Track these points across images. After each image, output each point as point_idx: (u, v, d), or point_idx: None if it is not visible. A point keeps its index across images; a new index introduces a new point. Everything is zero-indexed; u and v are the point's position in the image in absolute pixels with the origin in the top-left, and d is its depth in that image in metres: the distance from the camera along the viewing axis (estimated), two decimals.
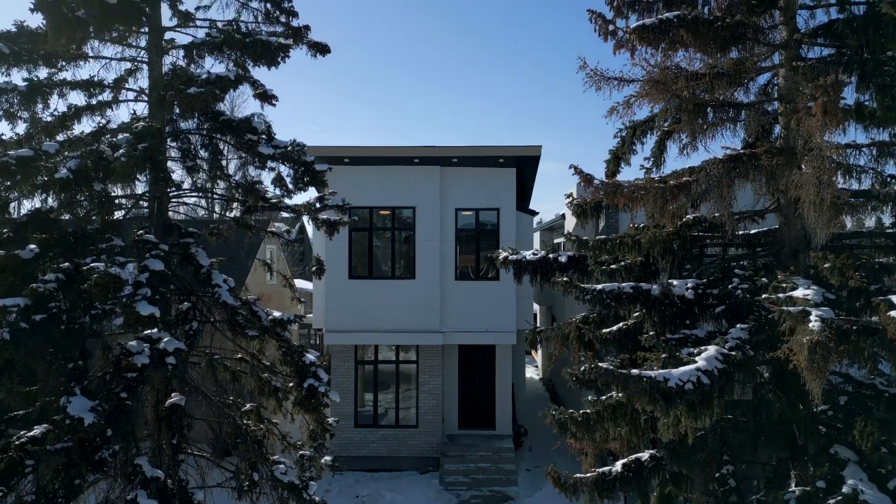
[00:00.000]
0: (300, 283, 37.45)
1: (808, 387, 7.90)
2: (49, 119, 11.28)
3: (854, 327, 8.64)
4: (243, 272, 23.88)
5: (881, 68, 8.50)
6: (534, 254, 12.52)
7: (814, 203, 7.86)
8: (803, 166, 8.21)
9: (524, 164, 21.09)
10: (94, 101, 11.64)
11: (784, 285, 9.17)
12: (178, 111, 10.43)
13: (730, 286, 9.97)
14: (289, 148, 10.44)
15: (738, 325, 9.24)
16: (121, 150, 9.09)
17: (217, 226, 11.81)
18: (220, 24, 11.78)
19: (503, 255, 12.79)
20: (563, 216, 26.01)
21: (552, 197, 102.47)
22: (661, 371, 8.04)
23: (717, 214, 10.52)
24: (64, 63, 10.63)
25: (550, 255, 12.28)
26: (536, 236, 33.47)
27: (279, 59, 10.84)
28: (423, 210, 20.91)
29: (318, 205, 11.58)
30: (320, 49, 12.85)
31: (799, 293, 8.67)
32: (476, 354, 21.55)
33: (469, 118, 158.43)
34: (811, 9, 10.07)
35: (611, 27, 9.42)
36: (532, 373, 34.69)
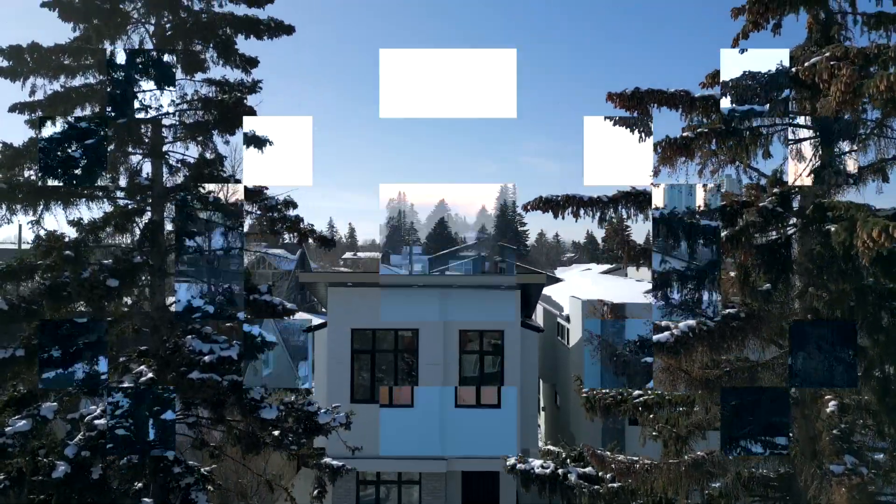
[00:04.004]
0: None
1: None
2: None
3: None
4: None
5: None
6: (543, 466, 12.30)
7: None
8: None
9: (528, 287, 20.82)
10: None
11: None
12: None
13: None
14: (293, 398, 10.17)
15: None
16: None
17: (217, 448, 11.53)
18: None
19: (511, 462, 12.62)
20: (568, 317, 25.74)
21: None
22: None
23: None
24: None
25: (560, 471, 12.05)
26: (539, 309, 33.08)
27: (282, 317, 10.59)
28: (426, 332, 20.59)
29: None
30: (325, 243, 12.75)
31: None
32: (479, 475, 21.27)
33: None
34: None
35: None
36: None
